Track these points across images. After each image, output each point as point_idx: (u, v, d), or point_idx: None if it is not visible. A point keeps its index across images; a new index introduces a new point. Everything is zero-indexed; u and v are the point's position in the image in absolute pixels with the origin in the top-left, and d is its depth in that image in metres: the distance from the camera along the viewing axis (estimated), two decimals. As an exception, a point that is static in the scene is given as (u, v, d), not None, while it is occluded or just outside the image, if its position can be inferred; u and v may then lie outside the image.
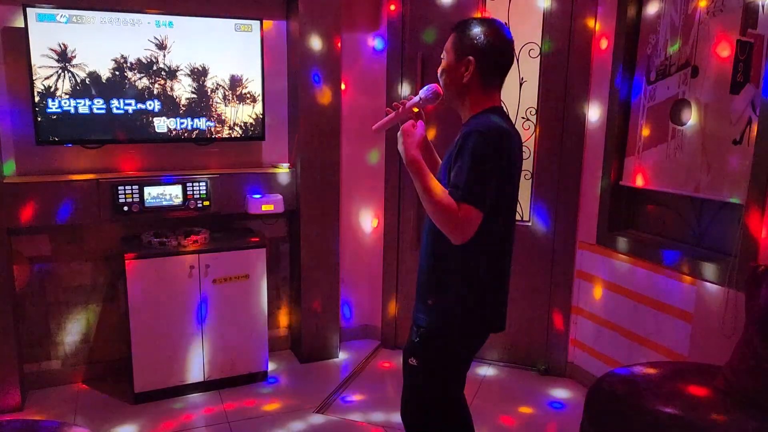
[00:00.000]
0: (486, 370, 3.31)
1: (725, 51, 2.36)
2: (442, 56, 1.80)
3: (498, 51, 1.73)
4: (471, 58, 1.71)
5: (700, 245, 2.61)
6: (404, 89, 3.34)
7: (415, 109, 1.85)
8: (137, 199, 2.91)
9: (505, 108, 3.12)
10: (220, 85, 3.06)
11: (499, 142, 1.64)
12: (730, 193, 2.36)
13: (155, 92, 2.94)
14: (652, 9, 2.72)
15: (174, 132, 3.01)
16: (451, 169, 1.64)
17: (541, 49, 3.11)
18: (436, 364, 1.80)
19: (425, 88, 1.83)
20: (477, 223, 1.59)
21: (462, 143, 1.63)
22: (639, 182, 2.81)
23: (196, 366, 2.97)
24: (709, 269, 2.42)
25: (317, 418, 2.82)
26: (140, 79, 2.90)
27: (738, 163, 2.31)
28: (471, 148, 1.60)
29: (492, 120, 1.68)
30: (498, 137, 1.64)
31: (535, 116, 3.19)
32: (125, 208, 2.89)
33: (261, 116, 3.17)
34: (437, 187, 1.63)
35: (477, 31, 1.72)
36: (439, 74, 1.81)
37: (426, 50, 3.27)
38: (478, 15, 3.10)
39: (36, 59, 2.70)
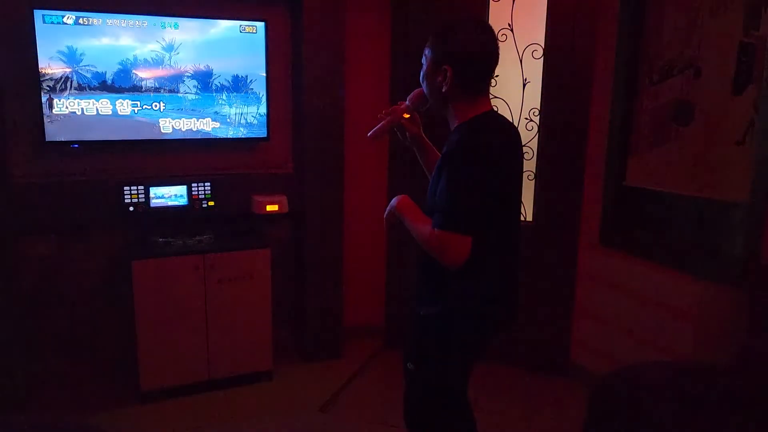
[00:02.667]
0: (487, 370, 3.31)
1: (728, 52, 2.36)
2: (422, 60, 1.71)
3: (476, 59, 1.63)
4: (447, 67, 1.61)
5: (703, 245, 2.61)
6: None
7: (406, 115, 1.86)
8: (143, 200, 2.93)
9: (508, 108, 3.19)
10: (224, 86, 3.08)
11: (484, 156, 1.58)
12: (732, 193, 2.36)
13: (161, 93, 2.96)
14: (654, 10, 2.72)
15: (179, 132, 3.03)
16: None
17: (544, 49, 3.12)
18: (435, 365, 1.79)
19: (412, 93, 1.83)
20: (464, 248, 1.54)
21: (442, 164, 1.59)
22: (642, 183, 2.82)
23: (201, 365, 2.98)
24: (712, 269, 2.42)
25: (321, 418, 2.83)
26: (146, 80, 2.92)
27: (741, 163, 2.32)
28: (450, 170, 1.56)
29: (476, 132, 1.61)
30: (481, 151, 1.58)
31: (538, 117, 3.20)
32: (131, 209, 2.91)
33: (265, 117, 3.19)
34: (419, 222, 1.65)
35: (454, 38, 1.62)
36: (420, 80, 1.73)
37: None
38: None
39: (43, 61, 2.72)
